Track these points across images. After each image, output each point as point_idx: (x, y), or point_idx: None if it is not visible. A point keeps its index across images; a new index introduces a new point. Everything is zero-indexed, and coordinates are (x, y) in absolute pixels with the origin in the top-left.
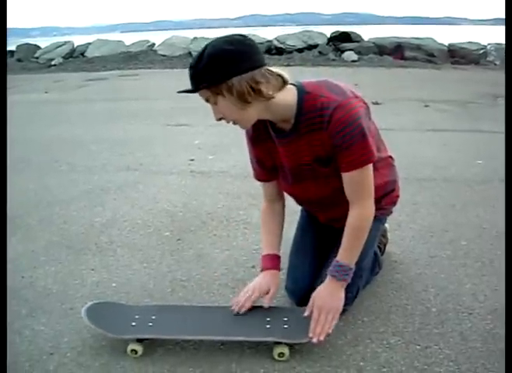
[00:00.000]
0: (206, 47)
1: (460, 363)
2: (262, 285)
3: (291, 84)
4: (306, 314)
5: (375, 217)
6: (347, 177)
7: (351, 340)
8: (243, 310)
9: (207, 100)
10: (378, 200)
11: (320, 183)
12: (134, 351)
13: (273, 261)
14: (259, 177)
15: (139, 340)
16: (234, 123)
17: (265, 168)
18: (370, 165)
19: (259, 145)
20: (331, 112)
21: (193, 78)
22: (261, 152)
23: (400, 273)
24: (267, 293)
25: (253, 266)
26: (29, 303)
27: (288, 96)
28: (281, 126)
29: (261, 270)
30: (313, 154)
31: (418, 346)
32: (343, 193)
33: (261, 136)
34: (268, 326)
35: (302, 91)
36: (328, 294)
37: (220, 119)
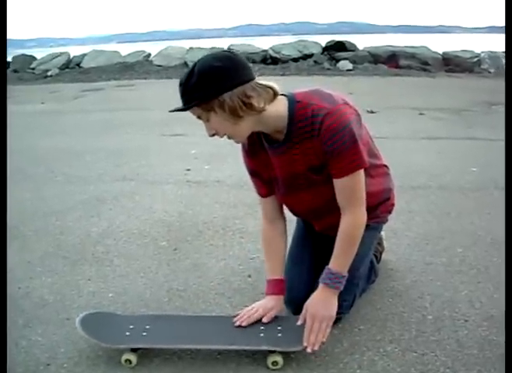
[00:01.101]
0: (195, 64)
1: (456, 370)
2: (267, 306)
3: (282, 94)
4: (299, 323)
5: (370, 225)
6: (338, 183)
7: (347, 348)
8: (244, 323)
9: (199, 117)
10: (373, 209)
11: (314, 191)
12: (128, 361)
13: (278, 286)
14: (260, 192)
15: (133, 350)
16: (228, 137)
17: (263, 180)
18: (361, 172)
19: (255, 158)
20: (322, 118)
21: (183, 95)
22: (257, 165)
23: (396, 280)
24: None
25: (249, 276)
26: (25, 313)
27: (279, 107)
28: (274, 136)
29: (266, 294)
30: (306, 163)
31: (414, 354)
32: (336, 201)
33: (256, 148)
34: (261, 335)
35: (293, 101)
36: (321, 303)
37: (213, 135)
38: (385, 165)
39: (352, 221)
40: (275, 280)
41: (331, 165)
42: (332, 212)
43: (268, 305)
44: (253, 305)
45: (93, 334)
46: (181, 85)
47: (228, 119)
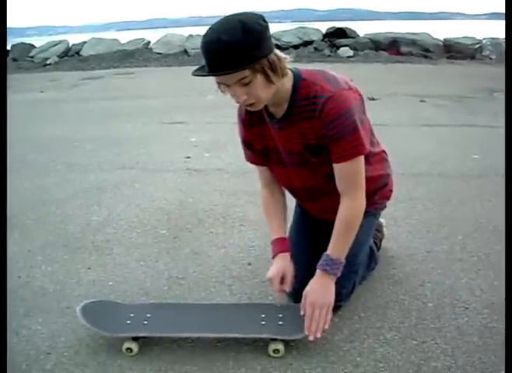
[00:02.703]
0: (237, 23)
1: (456, 357)
2: (278, 272)
3: (288, 69)
4: (301, 313)
5: (368, 211)
6: (338, 168)
7: (347, 336)
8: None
9: (238, 81)
10: (371, 195)
11: (309, 170)
12: (129, 349)
13: (281, 244)
14: (250, 159)
15: (134, 339)
16: (251, 105)
17: (254, 151)
18: (362, 158)
19: (251, 128)
20: (324, 101)
21: (236, 55)
22: (251, 135)
23: (396, 268)
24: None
25: (249, 263)
26: (26, 303)
27: (285, 80)
28: (273, 110)
29: (273, 257)
30: (303, 142)
31: (414, 341)
32: (333, 182)
33: (254, 119)
34: (263, 323)
35: (298, 77)
36: (320, 290)
37: (244, 101)
38: (383, 151)
39: (351, 207)
40: (278, 238)
41: (331, 149)
42: (327, 194)
43: (278, 272)
44: (270, 275)
45: (94, 323)
46: (230, 43)
47: (275, 80)
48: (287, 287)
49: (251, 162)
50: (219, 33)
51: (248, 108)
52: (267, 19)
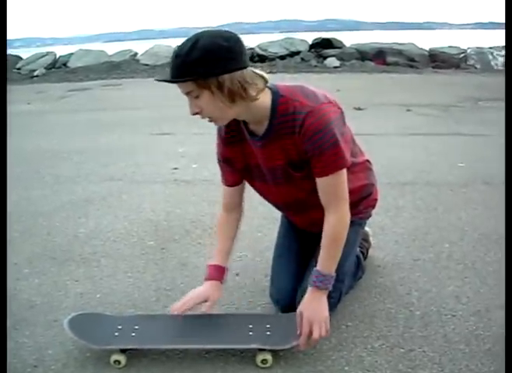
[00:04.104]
0: (198, 38)
1: (444, 365)
2: (200, 293)
3: (266, 86)
4: (298, 333)
5: (353, 221)
6: (320, 182)
7: (335, 345)
8: (176, 313)
9: (187, 93)
10: (355, 204)
11: (295, 185)
12: (117, 362)
13: (216, 272)
14: (227, 180)
15: (122, 351)
16: (210, 120)
17: (234, 169)
18: (344, 171)
19: (231, 146)
20: (304, 117)
21: (180, 67)
22: (232, 153)
23: (383, 277)
24: (205, 301)
25: (237, 274)
26: (12, 315)
27: (264, 98)
28: (253, 128)
29: (205, 279)
30: (286, 157)
31: (402, 350)
32: (317, 196)
33: (235, 137)
34: (250, 333)
35: (276, 94)
36: (315, 305)
37: (196, 113)
38: (367, 161)
39: (336, 220)
40: (217, 266)
41: (312, 163)
42: (311, 208)
43: (202, 293)
44: (189, 293)
45: (82, 335)
46: (179, 56)
47: (221, 101)
48: (204, 308)
49: (229, 185)
50: (177, 47)
51: (211, 122)
52: (242, 39)
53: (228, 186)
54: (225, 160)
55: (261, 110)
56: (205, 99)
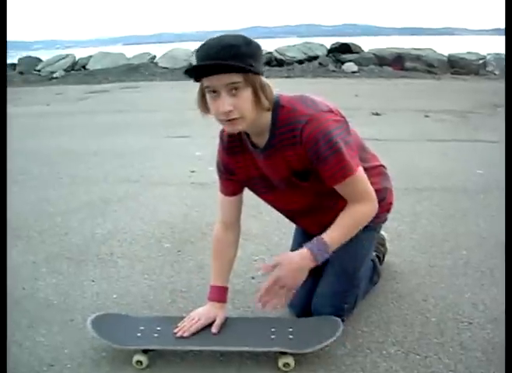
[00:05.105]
0: (238, 34)
1: (459, 372)
2: (210, 313)
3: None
4: (262, 271)
5: (369, 225)
6: (337, 189)
7: (350, 351)
8: (186, 334)
9: (231, 84)
10: None
11: (302, 194)
12: (139, 362)
13: (220, 294)
14: (226, 189)
15: (145, 351)
16: (231, 121)
17: (236, 179)
18: (356, 175)
19: (234, 156)
20: (303, 126)
21: (237, 56)
22: (235, 163)
23: (399, 282)
24: (213, 321)
25: (252, 277)
26: (29, 314)
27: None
28: (255, 140)
29: (209, 300)
30: (289, 169)
31: (417, 356)
32: (326, 197)
33: (237, 148)
34: (272, 337)
35: (277, 105)
36: (294, 270)
37: (229, 112)
38: (381, 165)
39: (359, 207)
40: (219, 287)
41: (320, 173)
42: (321, 211)
43: (210, 313)
44: (193, 314)
45: (104, 335)
46: (234, 46)
47: (254, 99)
48: (214, 330)
49: (228, 195)
50: (221, 39)
51: (229, 127)
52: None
53: (227, 195)
54: (227, 169)
55: (263, 121)
56: (247, 97)
